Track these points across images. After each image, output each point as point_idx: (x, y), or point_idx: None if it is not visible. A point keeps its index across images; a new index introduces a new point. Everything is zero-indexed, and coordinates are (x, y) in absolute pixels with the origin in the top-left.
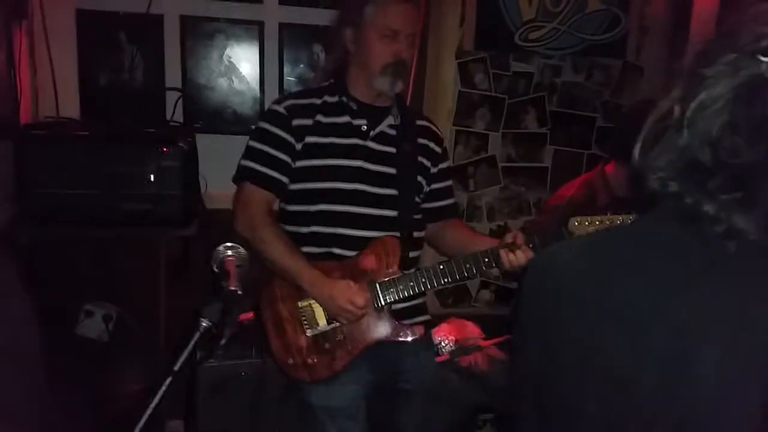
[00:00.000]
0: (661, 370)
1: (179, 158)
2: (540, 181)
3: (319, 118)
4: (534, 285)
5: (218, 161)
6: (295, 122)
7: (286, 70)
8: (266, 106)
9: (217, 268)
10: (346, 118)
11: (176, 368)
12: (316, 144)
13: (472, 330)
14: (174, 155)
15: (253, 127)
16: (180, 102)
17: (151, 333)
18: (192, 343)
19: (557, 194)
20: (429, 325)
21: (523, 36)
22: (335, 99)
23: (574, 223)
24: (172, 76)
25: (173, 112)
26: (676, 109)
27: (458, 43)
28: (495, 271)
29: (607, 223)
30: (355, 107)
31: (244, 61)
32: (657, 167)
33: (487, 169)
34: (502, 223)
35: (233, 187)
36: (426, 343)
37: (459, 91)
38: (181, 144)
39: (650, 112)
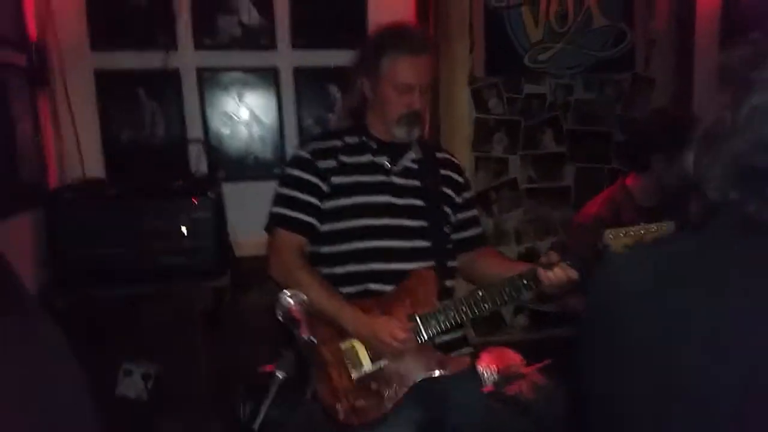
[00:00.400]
0: (741, 398)
1: (210, 209)
2: (563, 200)
3: (343, 158)
4: (599, 304)
5: (244, 209)
6: (321, 165)
7: (303, 113)
8: (287, 150)
9: (282, 317)
10: (368, 157)
11: (256, 427)
12: (342, 184)
13: (513, 357)
14: (205, 206)
15: (280, 173)
16: (202, 153)
17: (191, 388)
18: (270, 397)
19: (581, 213)
20: (472, 357)
21: (532, 58)
22: (356, 139)
23: (609, 235)
24: (193, 128)
25: (197, 164)
26: (727, 116)
27: (469, 70)
28: (529, 295)
29: (642, 232)
30: (375, 146)
31: (262, 108)
32: (712, 177)
33: (509, 192)
34: (530, 245)
35: (261, 234)
36: (472, 375)
37: (475, 117)
38: (210, 194)
39: (662, 121)
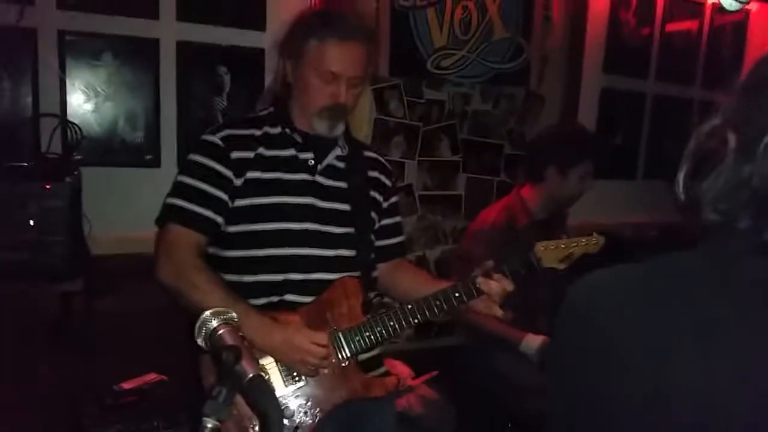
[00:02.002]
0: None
1: (64, 197)
2: (455, 209)
3: (261, 150)
4: (580, 323)
5: (104, 199)
6: (234, 155)
7: (184, 94)
8: (162, 135)
9: (208, 345)
10: (291, 152)
11: None
12: (259, 180)
13: (401, 369)
14: (59, 193)
15: (151, 159)
16: (58, 131)
17: (26, 413)
18: None
19: (478, 219)
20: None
21: (435, 63)
22: (278, 130)
23: (540, 248)
24: (48, 101)
25: (50, 143)
26: (731, 137)
27: (371, 68)
28: (460, 307)
29: (574, 245)
30: (300, 139)
31: (136, 84)
32: (714, 198)
33: (403, 198)
34: (420, 254)
35: (122, 230)
36: (390, 398)
37: (375, 118)
38: (67, 179)
39: (557, 136)
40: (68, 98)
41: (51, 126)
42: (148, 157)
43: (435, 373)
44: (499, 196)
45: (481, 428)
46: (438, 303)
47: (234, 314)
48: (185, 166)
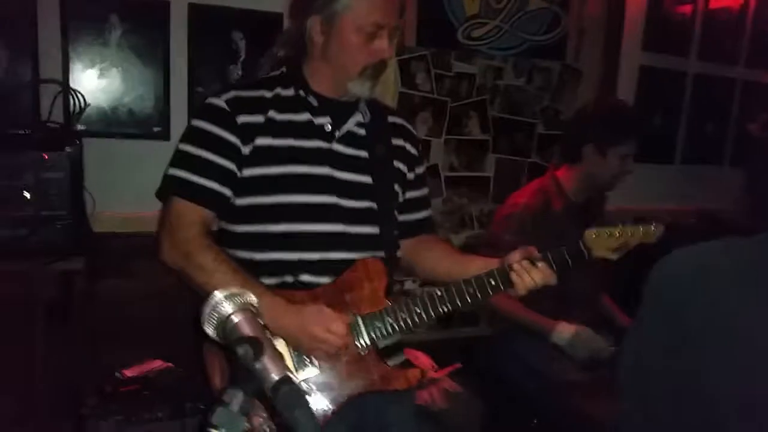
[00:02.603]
0: None
1: (65, 168)
2: (482, 192)
3: (272, 114)
4: (679, 300)
5: (108, 173)
6: (241, 119)
7: (196, 61)
8: (172, 106)
9: (221, 336)
10: (306, 116)
11: None
12: (270, 147)
13: (423, 361)
14: (58, 164)
15: (160, 131)
16: (60, 98)
17: (24, 400)
18: None
19: (508, 203)
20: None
21: (466, 33)
22: (291, 92)
23: (592, 236)
24: (49, 65)
25: (50, 111)
26: None
27: (398, 38)
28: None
29: (629, 233)
30: (315, 103)
31: (144, 50)
32: None
33: (428, 179)
34: (444, 239)
35: (127, 207)
36: (411, 391)
37: (399, 92)
38: (67, 149)
39: (596, 113)
40: (71, 64)
41: (53, 94)
42: (157, 129)
43: (458, 365)
44: (531, 179)
45: (506, 423)
46: (471, 290)
47: (253, 297)
48: (188, 133)
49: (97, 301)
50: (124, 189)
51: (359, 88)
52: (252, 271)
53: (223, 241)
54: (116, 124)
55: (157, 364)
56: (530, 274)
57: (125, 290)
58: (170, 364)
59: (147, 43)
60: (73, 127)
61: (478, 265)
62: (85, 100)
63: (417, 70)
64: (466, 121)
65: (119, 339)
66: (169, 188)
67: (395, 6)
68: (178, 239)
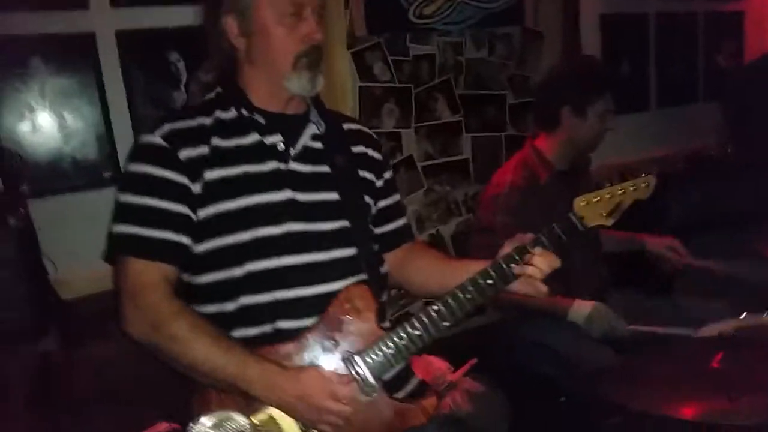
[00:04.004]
0: None
1: (14, 241)
2: (463, 175)
3: (216, 142)
4: None
5: (64, 233)
6: (184, 154)
7: (135, 93)
8: (118, 146)
9: None
10: (254, 137)
11: None
12: (221, 180)
13: (437, 366)
14: (6, 238)
15: (113, 175)
16: None
17: None
18: None
19: (493, 183)
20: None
21: (417, 12)
22: (232, 114)
23: (581, 204)
24: None
25: None
26: None
27: (347, 29)
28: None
29: (619, 192)
30: (262, 120)
31: (75, 91)
32: None
33: (405, 172)
34: (433, 231)
35: (92, 264)
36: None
37: (359, 86)
38: (11, 219)
39: (567, 73)
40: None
41: None
42: (107, 174)
43: (474, 360)
44: (510, 153)
45: (532, 411)
46: (469, 297)
47: (242, 419)
48: (126, 181)
49: (79, 371)
50: (84, 246)
51: (297, 84)
52: (226, 325)
53: (188, 295)
54: (61, 178)
55: (163, 427)
56: (531, 263)
57: (106, 353)
58: (176, 425)
59: (77, 82)
60: (15, 192)
61: (470, 268)
62: (21, 157)
63: (373, 60)
64: (433, 105)
65: (111, 405)
66: (118, 248)
67: None
68: (142, 306)
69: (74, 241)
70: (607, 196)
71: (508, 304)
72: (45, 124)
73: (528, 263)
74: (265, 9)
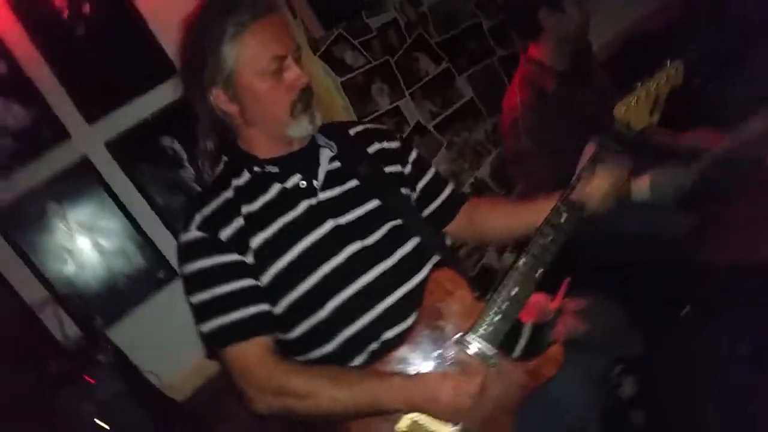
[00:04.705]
0: None
1: (114, 375)
2: (474, 115)
3: (246, 209)
4: None
5: (149, 342)
6: (224, 234)
7: (150, 190)
8: (158, 245)
9: None
10: (276, 188)
11: None
12: (266, 242)
13: (536, 300)
14: (108, 377)
15: (164, 276)
16: (61, 312)
17: None
18: None
19: (505, 110)
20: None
21: None
22: (247, 177)
23: (621, 112)
24: (28, 291)
25: (63, 329)
26: None
27: (304, 36)
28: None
29: (654, 87)
30: (276, 169)
31: (96, 214)
32: None
33: (420, 139)
34: (472, 180)
35: (188, 357)
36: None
37: (340, 83)
38: (101, 357)
39: None
40: (46, 275)
41: (51, 314)
42: (161, 274)
43: (567, 279)
44: (509, 73)
45: (646, 306)
46: (551, 239)
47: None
48: (187, 284)
49: None
50: (173, 345)
51: (298, 129)
52: (336, 362)
53: (290, 351)
54: (124, 298)
55: None
56: (598, 183)
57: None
58: None
59: (95, 206)
60: (93, 332)
61: (534, 208)
62: (80, 298)
63: (341, 52)
64: (416, 66)
65: None
66: (214, 344)
67: (283, 27)
68: (257, 383)
69: (162, 345)
70: (644, 94)
71: None
72: (86, 257)
73: (591, 184)
74: (247, 73)
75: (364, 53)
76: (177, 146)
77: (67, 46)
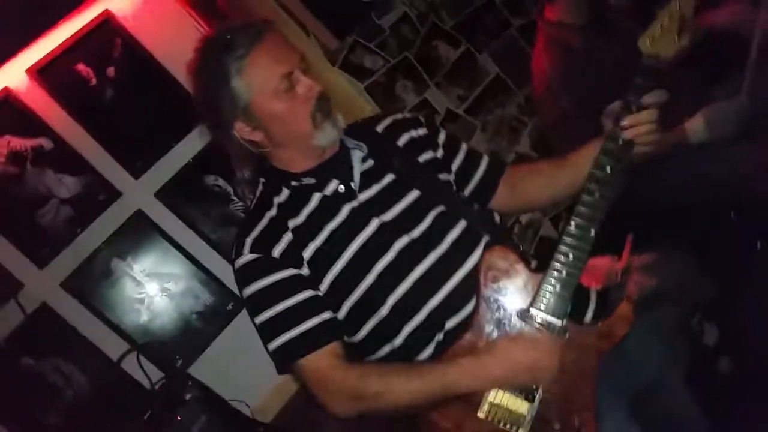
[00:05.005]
0: None
1: (203, 410)
2: (504, 91)
3: (292, 223)
4: None
5: (232, 373)
6: (276, 252)
7: (203, 229)
8: (220, 279)
9: None
10: (316, 197)
11: None
12: (318, 250)
13: (602, 263)
14: (197, 412)
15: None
16: (143, 360)
17: None
18: None
19: (535, 79)
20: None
21: None
22: (287, 193)
23: (647, 43)
24: (111, 344)
25: (148, 375)
26: None
27: (320, 50)
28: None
29: (677, 9)
30: (313, 180)
31: (160, 261)
32: None
33: (454, 127)
34: (518, 153)
35: (271, 379)
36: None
37: (364, 88)
38: (187, 395)
39: None
40: (123, 328)
41: (133, 360)
42: (230, 306)
43: (630, 236)
44: (531, 43)
45: (723, 255)
46: (598, 195)
47: None
48: (250, 306)
49: None
50: (253, 371)
51: (325, 137)
52: (404, 357)
53: (360, 353)
54: (199, 335)
55: None
56: (639, 122)
57: None
58: None
59: (157, 254)
60: (176, 372)
61: (575, 163)
62: (159, 342)
63: (359, 58)
64: (436, 54)
65: None
66: (285, 359)
67: (281, 43)
68: (335, 390)
69: (243, 373)
70: (666, 19)
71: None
72: (156, 304)
73: (632, 127)
74: (261, 99)
75: (382, 54)
76: (221, 182)
77: (101, 111)
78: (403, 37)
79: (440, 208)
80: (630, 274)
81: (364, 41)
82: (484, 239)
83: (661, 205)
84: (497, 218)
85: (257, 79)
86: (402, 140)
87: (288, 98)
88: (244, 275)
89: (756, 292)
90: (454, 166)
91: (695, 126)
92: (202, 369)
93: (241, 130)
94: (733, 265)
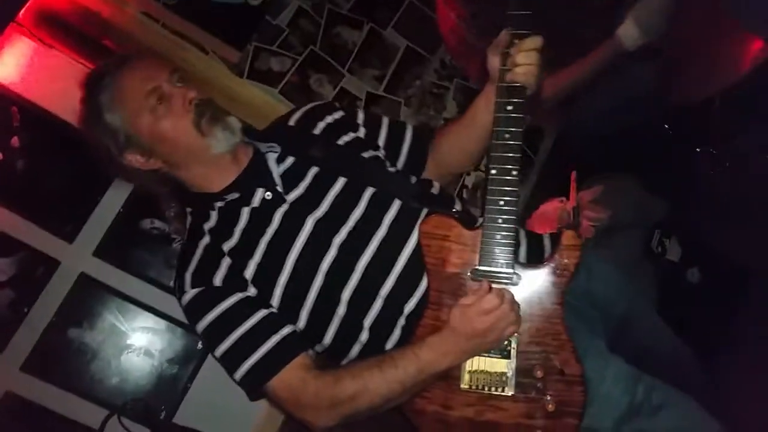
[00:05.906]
0: None
1: None
2: (417, 59)
3: (227, 245)
4: None
5: (217, 407)
6: (217, 280)
7: (151, 275)
8: (177, 317)
9: None
10: (245, 212)
11: None
12: (259, 266)
13: (552, 207)
14: None
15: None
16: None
17: None
18: None
19: (447, 37)
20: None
21: None
22: (214, 216)
23: None
24: (87, 415)
25: None
26: None
27: (224, 66)
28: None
29: None
30: (236, 194)
31: (115, 319)
32: None
33: (378, 108)
34: (445, 121)
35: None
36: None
37: (278, 92)
38: None
39: None
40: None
41: (113, 427)
42: (200, 345)
43: (573, 173)
44: (432, 6)
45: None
46: (508, 135)
47: None
48: (206, 340)
49: None
50: (241, 403)
51: (219, 143)
52: (375, 351)
53: (331, 358)
54: (178, 381)
55: None
56: (523, 56)
57: None
58: None
59: (112, 317)
60: (161, 423)
61: (479, 108)
62: (137, 400)
63: (266, 63)
64: (340, 41)
65: None
66: (253, 384)
67: (144, 65)
68: (309, 403)
69: (231, 407)
70: None
71: (560, 96)
72: (124, 362)
73: (517, 63)
74: (137, 122)
75: (287, 54)
76: (158, 223)
77: (16, 185)
78: (304, 32)
79: (371, 190)
80: (582, 211)
81: (265, 45)
82: (423, 212)
83: (597, 134)
84: (436, 187)
85: (126, 103)
86: (318, 128)
87: (164, 114)
88: (193, 312)
89: (706, 196)
90: (381, 141)
91: (627, 30)
92: (187, 414)
93: (136, 161)
94: (679, 177)
